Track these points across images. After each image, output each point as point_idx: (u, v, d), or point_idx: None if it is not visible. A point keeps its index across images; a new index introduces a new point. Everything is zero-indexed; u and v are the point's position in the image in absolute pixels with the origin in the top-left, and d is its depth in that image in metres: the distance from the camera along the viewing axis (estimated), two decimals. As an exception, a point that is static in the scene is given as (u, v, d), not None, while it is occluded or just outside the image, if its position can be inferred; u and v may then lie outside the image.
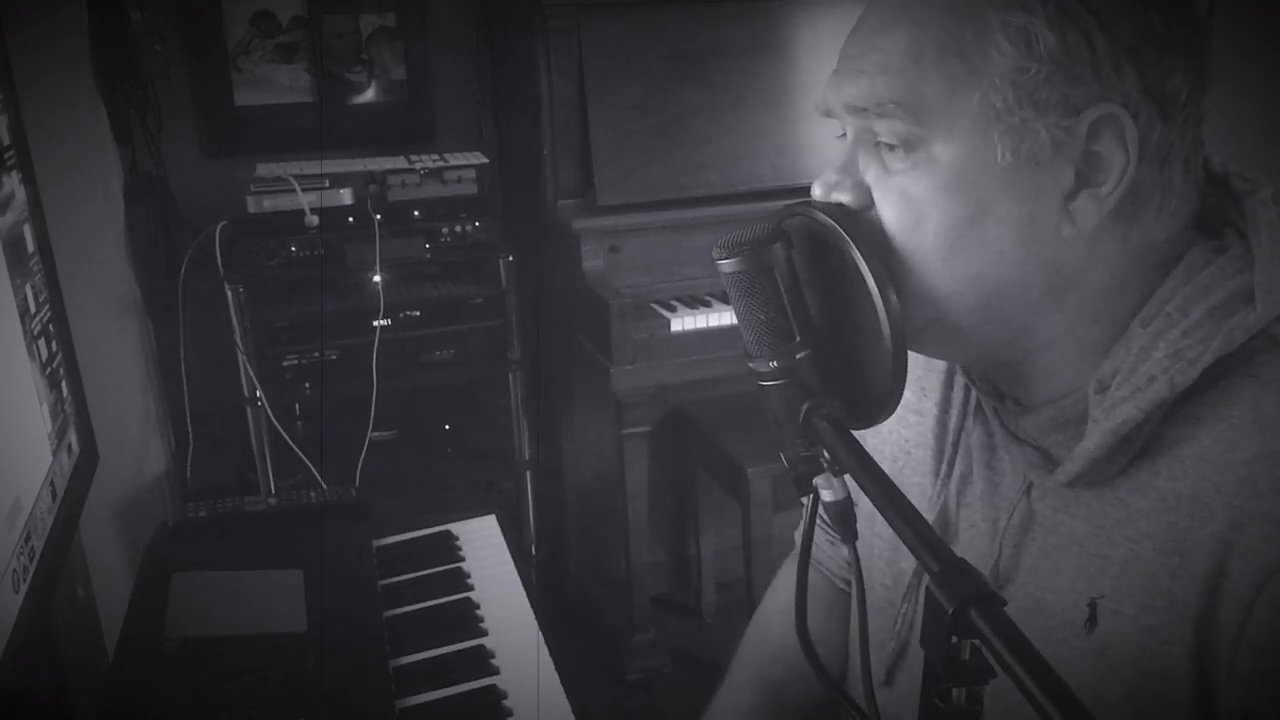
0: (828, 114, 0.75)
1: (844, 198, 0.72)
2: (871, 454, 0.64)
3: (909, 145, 0.68)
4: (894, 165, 0.70)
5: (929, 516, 0.83)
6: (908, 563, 0.87)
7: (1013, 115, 0.66)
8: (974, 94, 0.66)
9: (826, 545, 1.06)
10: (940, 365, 0.87)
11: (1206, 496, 0.65)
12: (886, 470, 0.63)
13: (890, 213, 0.70)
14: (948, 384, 0.85)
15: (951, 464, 0.83)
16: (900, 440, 0.90)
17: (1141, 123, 0.66)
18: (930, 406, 0.87)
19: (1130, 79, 0.65)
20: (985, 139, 0.67)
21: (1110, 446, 0.68)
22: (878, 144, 0.71)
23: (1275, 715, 0.61)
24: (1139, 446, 0.69)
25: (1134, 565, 0.68)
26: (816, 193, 0.74)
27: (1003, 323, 0.71)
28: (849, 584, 1.02)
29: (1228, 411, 0.66)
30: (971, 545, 0.81)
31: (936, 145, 0.68)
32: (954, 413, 0.84)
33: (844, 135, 0.74)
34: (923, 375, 0.87)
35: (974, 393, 0.82)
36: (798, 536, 1.10)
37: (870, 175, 0.71)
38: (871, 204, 0.71)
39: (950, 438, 0.84)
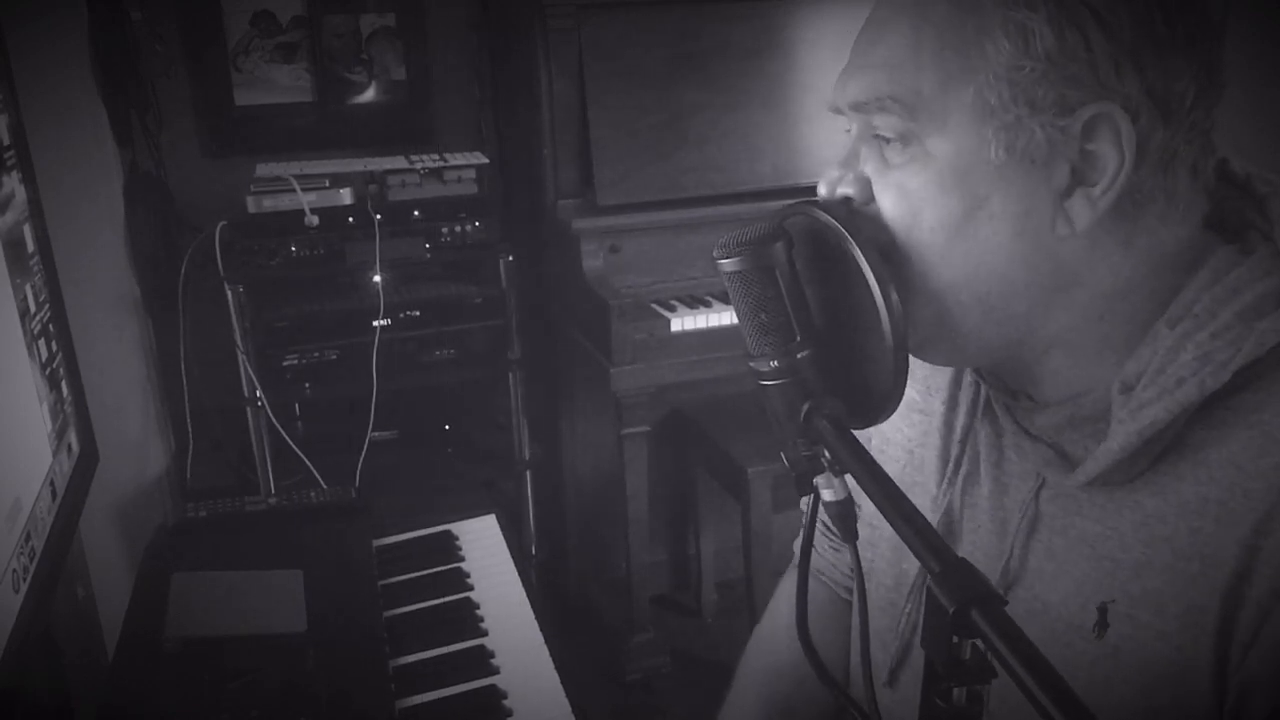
0: (836, 111, 0.75)
1: (847, 191, 0.73)
2: (877, 454, 0.64)
3: (905, 139, 0.69)
4: (893, 159, 0.70)
5: (933, 517, 0.82)
6: (910, 563, 0.86)
7: (1007, 112, 0.65)
8: (968, 89, 0.66)
9: (830, 553, 1.05)
10: None
11: (1235, 502, 0.64)
12: (893, 470, 0.63)
13: (889, 206, 0.71)
14: (955, 382, 0.85)
15: (959, 464, 0.82)
16: (905, 440, 0.89)
17: (1142, 124, 0.65)
18: (937, 405, 0.86)
19: (1131, 80, 0.64)
20: (980, 135, 0.66)
21: (1135, 448, 0.67)
22: (877, 138, 0.71)
23: None
24: (1162, 449, 0.67)
25: (1148, 570, 0.67)
26: (821, 189, 0.74)
27: (1005, 323, 0.71)
28: (850, 592, 1.01)
29: (1258, 417, 0.65)
30: (977, 546, 0.80)
31: (931, 139, 0.68)
32: (961, 411, 0.83)
33: (850, 131, 0.75)
34: (929, 374, 0.86)
35: (983, 390, 0.81)
36: (797, 547, 1.10)
37: (870, 169, 0.72)
38: (872, 198, 0.72)
39: (957, 436, 0.83)
